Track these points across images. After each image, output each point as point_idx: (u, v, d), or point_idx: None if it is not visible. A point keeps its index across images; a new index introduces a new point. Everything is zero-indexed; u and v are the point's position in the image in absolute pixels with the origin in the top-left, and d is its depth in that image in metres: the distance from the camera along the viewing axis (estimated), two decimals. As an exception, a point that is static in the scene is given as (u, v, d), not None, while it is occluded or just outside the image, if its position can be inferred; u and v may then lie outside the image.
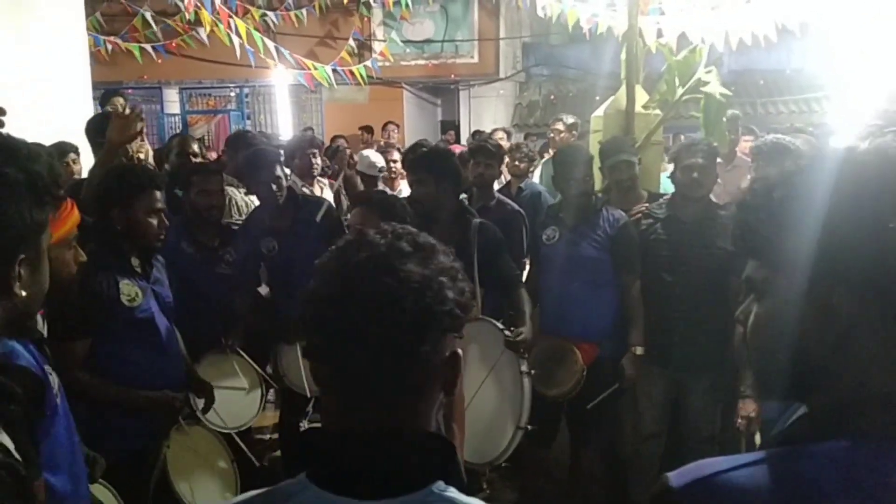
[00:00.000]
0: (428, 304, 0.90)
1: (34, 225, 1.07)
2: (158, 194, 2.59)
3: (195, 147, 4.37)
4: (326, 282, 0.92)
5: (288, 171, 3.94)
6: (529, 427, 2.78)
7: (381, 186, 4.98)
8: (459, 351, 0.96)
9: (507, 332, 2.83)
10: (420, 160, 3.27)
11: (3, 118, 1.12)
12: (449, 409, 2.24)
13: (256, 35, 9.14)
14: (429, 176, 3.06)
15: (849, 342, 0.78)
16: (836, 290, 0.77)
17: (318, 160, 4.76)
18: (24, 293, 1.05)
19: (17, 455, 1.00)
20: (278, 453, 4.11)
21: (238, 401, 3.17)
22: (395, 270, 0.90)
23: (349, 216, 2.50)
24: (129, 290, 2.48)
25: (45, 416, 1.50)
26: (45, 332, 2.22)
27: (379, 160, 4.95)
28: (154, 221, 2.55)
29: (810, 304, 0.78)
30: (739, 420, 2.90)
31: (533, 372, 2.87)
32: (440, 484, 0.91)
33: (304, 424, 3.95)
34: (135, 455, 2.48)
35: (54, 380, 1.59)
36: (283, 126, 10.95)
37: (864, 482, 0.74)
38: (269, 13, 10.09)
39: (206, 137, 10.89)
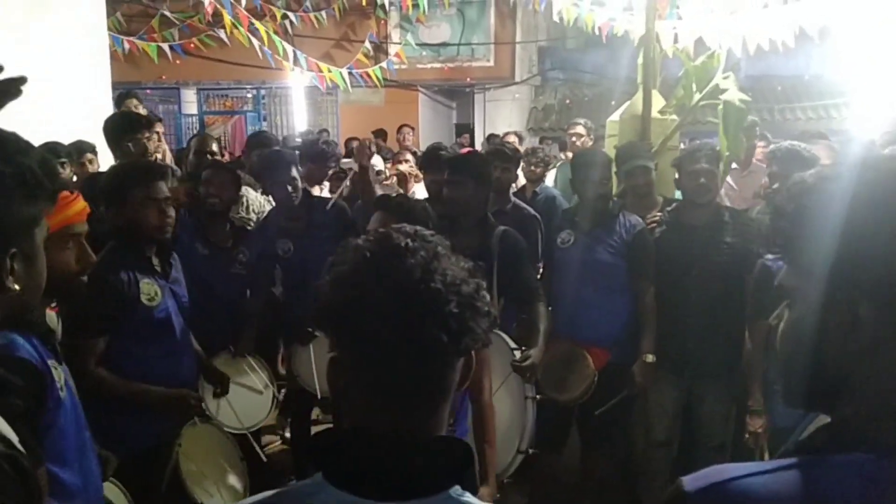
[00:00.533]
0: (471, 303, 0.90)
1: (24, 219, 1.06)
2: (158, 185, 2.53)
3: (213, 146, 4.40)
4: (369, 293, 0.88)
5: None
6: (531, 451, 2.75)
7: (379, 191, 4.84)
8: (472, 351, 0.96)
9: (515, 354, 2.79)
10: (461, 162, 3.23)
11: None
12: (481, 429, 2.23)
13: (275, 38, 9.20)
14: (469, 179, 3.02)
15: (875, 354, 0.76)
16: (862, 302, 0.75)
17: (330, 172, 4.76)
18: (17, 287, 1.05)
19: (20, 447, 1.01)
20: (277, 447, 4.14)
21: (249, 401, 3.18)
22: (438, 275, 0.89)
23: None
24: (148, 289, 2.49)
25: (46, 408, 1.51)
26: (59, 330, 2.23)
27: (378, 163, 4.89)
28: (151, 212, 2.50)
29: (837, 314, 0.77)
30: (747, 436, 2.88)
31: (538, 397, 2.84)
32: (457, 489, 0.91)
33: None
34: (146, 454, 2.49)
35: (59, 373, 1.60)
36: (299, 127, 11.02)
37: (887, 497, 0.73)
38: (289, 14, 10.14)
39: (222, 138, 10.96)
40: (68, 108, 4.59)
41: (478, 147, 9.33)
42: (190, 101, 11.77)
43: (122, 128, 3.58)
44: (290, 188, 3.38)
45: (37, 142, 3.37)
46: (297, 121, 11.36)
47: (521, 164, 5.09)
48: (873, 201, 0.75)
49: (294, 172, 3.42)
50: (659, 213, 3.41)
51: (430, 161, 3.85)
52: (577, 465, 3.61)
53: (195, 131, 11.17)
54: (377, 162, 4.90)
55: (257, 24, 9.05)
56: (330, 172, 4.97)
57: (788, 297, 0.85)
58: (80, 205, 1.81)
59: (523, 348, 2.84)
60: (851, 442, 0.76)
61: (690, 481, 0.80)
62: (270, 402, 3.26)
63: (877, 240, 0.74)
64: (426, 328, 0.87)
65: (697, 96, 3.75)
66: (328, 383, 0.96)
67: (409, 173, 5.01)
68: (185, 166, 4.59)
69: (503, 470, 2.69)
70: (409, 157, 5.03)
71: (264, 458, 3.19)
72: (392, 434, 0.90)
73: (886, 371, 0.77)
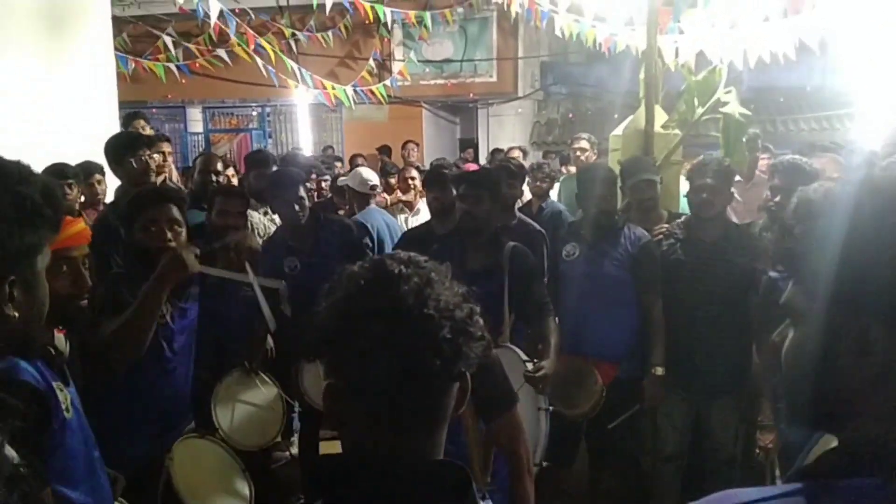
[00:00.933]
0: (464, 329, 0.91)
1: (24, 247, 1.07)
2: (164, 208, 2.53)
3: (219, 166, 4.38)
4: (364, 321, 0.89)
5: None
6: (544, 464, 2.74)
7: (373, 205, 4.75)
8: (468, 375, 0.97)
9: (528, 366, 2.79)
10: (478, 177, 3.27)
11: None
12: (521, 487, 2.14)
13: (281, 56, 9.27)
14: (485, 194, 3.06)
15: (885, 378, 0.76)
16: (873, 326, 0.75)
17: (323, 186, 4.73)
18: (16, 314, 1.06)
19: (22, 470, 1.02)
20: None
21: (260, 418, 3.19)
22: (431, 301, 0.90)
23: None
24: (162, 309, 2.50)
25: (51, 430, 1.53)
26: (66, 350, 2.24)
27: (372, 177, 4.77)
28: (154, 234, 2.49)
29: (847, 337, 0.77)
30: (758, 451, 2.87)
31: (551, 408, 2.82)
32: None
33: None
34: (140, 471, 2.41)
35: (66, 395, 1.61)
36: (304, 145, 11.07)
37: None
38: (298, 33, 10.23)
39: (228, 155, 11.02)
40: (77, 128, 4.63)
41: (482, 162, 9.36)
42: (195, 120, 11.84)
43: (122, 146, 3.60)
44: (297, 207, 3.40)
45: (45, 163, 3.41)
46: (303, 138, 11.41)
47: (527, 179, 5.10)
48: (882, 223, 0.75)
49: (301, 192, 3.43)
50: (666, 225, 3.42)
51: (433, 179, 3.85)
52: (587, 480, 3.60)
53: (201, 150, 11.23)
54: (371, 177, 4.84)
55: (263, 42, 9.12)
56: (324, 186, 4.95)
57: (793, 316, 0.85)
58: (77, 227, 1.80)
59: (535, 360, 2.86)
60: (859, 466, 0.75)
61: None
62: (281, 419, 3.26)
63: (887, 262, 0.73)
64: (419, 354, 0.88)
65: (700, 111, 3.76)
66: (325, 410, 0.97)
67: (411, 200, 5.01)
68: (191, 185, 4.60)
69: None
70: (414, 173, 5.04)
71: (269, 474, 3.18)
72: (389, 459, 0.91)
73: None
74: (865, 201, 0.77)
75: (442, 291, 0.92)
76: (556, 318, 3.22)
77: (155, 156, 3.93)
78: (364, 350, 0.89)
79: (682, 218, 3.40)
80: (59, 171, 3.75)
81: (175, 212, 2.56)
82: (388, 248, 4.30)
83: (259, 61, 9.25)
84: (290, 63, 9.44)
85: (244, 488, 2.75)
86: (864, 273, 0.74)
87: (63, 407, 1.59)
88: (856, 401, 0.78)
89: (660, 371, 3.17)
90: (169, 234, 2.52)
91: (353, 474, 0.92)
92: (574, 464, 3.57)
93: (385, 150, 9.81)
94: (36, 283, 1.13)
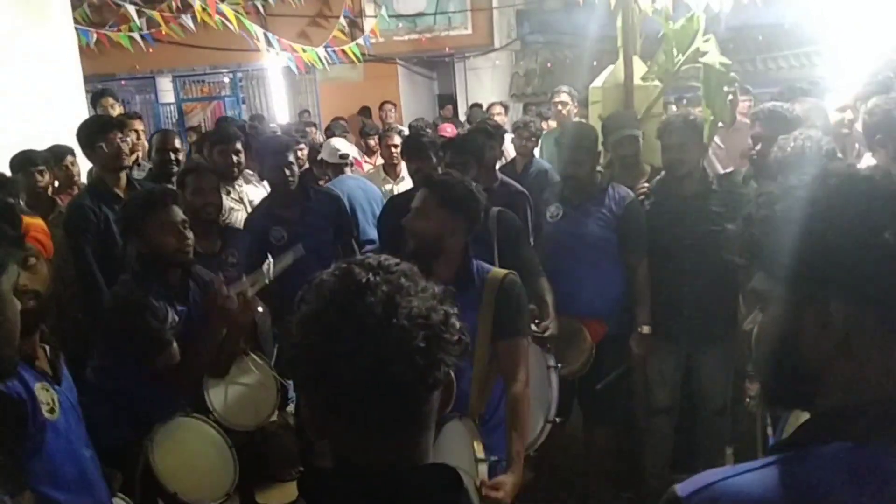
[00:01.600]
0: (438, 335, 0.89)
1: None
2: (171, 209, 2.56)
3: (177, 143, 4.14)
4: (332, 335, 0.87)
5: None
6: (558, 420, 2.77)
7: (349, 172, 4.68)
8: (452, 374, 0.95)
9: (533, 327, 2.80)
10: (463, 143, 3.23)
11: None
12: (511, 418, 2.20)
13: (246, 21, 8.99)
14: (472, 160, 3.03)
15: (848, 349, 0.81)
16: (834, 300, 0.80)
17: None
18: None
19: None
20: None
21: (254, 397, 3.19)
22: (402, 309, 0.87)
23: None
24: (171, 316, 2.54)
25: (28, 433, 1.51)
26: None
27: (341, 146, 4.68)
28: (170, 237, 2.53)
29: (810, 313, 0.82)
30: (748, 400, 2.93)
31: (560, 366, 2.86)
32: None
33: None
34: (114, 453, 2.39)
35: (50, 395, 1.59)
36: (279, 109, 10.87)
37: (868, 482, 0.77)
38: (266, -5, 9.92)
39: (202, 125, 10.79)
40: (43, 111, 4.52)
41: (461, 118, 9.24)
42: (166, 90, 11.54)
43: (93, 131, 3.54)
44: (287, 172, 3.38)
45: (13, 149, 3.37)
46: (277, 103, 11.20)
47: (513, 137, 5.04)
48: (837, 206, 0.81)
49: (291, 157, 3.41)
50: (647, 184, 3.41)
51: (412, 149, 3.68)
52: (581, 436, 3.65)
53: (174, 120, 11.01)
54: (341, 146, 4.73)
55: (225, 8, 8.82)
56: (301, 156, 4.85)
57: (762, 300, 0.89)
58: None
59: (536, 321, 2.86)
60: (832, 433, 0.80)
61: (682, 487, 0.84)
62: (275, 397, 3.26)
63: (855, 243, 0.78)
64: (391, 367, 0.85)
65: (680, 59, 3.70)
66: (304, 425, 0.96)
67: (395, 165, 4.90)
68: (150, 165, 4.41)
69: (532, 441, 2.70)
70: (396, 139, 4.91)
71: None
72: (374, 469, 0.90)
73: (859, 364, 0.81)
74: (828, 188, 0.83)
75: (415, 296, 0.89)
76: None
77: (128, 138, 3.83)
78: (335, 365, 0.86)
79: (661, 175, 3.40)
80: (28, 159, 3.70)
81: (181, 213, 2.60)
82: (363, 213, 4.29)
83: (229, 26, 8.97)
84: (257, 29, 9.16)
85: (229, 464, 2.70)
86: (827, 252, 0.80)
87: (46, 408, 1.58)
88: (821, 373, 0.83)
89: (646, 330, 3.21)
90: (188, 235, 2.57)
91: (341, 486, 0.92)
92: (567, 420, 3.62)
93: (365, 112, 9.66)
94: (2, 305, 1.10)
